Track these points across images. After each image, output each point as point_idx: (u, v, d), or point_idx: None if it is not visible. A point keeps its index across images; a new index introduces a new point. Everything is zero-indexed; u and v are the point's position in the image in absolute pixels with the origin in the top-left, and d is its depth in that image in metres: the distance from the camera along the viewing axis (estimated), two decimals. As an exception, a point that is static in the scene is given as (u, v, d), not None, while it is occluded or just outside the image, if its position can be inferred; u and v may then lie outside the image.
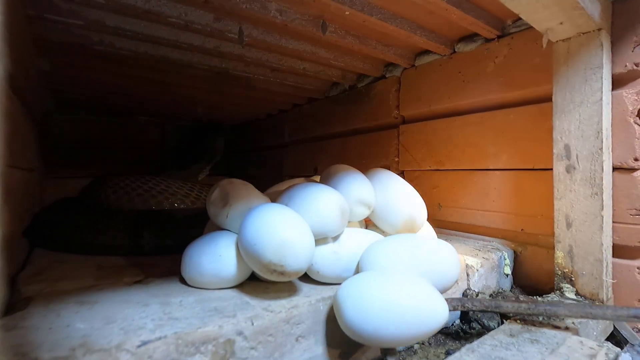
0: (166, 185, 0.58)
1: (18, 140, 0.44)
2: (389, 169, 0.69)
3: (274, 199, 0.36)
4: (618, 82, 0.40)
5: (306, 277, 0.34)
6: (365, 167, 0.74)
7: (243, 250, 0.28)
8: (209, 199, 0.35)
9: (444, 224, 0.60)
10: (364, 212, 0.36)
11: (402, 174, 0.68)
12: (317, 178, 0.42)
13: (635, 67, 0.39)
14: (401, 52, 0.61)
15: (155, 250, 0.46)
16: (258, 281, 0.33)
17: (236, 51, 0.58)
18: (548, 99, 0.43)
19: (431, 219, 0.62)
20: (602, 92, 0.37)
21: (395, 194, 0.38)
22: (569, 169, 0.40)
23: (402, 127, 0.67)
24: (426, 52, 0.61)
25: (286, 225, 0.27)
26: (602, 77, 0.37)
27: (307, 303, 0.28)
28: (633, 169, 0.39)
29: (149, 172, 1.17)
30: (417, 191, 0.41)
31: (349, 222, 0.36)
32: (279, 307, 0.26)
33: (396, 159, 0.68)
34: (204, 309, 0.26)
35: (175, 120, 1.24)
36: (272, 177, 1.12)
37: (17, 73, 0.41)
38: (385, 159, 0.70)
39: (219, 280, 0.30)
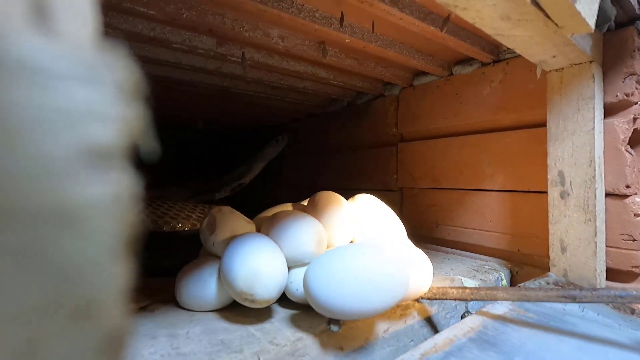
0: (169, 207, 0.59)
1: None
2: (388, 187, 0.70)
3: (259, 225, 0.38)
4: (610, 111, 0.41)
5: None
6: (364, 183, 0.75)
7: (222, 277, 0.31)
8: (201, 226, 0.37)
9: (441, 242, 0.61)
10: (343, 238, 0.38)
11: (400, 191, 0.69)
12: (306, 202, 0.43)
13: (625, 97, 0.40)
14: (399, 73, 0.63)
15: (159, 272, 0.46)
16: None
17: (238, 72, 0.59)
18: (542, 124, 0.44)
19: (429, 237, 0.63)
20: (594, 121, 0.39)
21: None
22: (563, 195, 0.41)
23: (401, 145, 0.68)
24: (424, 73, 0.63)
25: (256, 256, 0.30)
26: (594, 107, 0.39)
27: (312, 335, 0.28)
28: (625, 195, 0.40)
29: (150, 184, 1.18)
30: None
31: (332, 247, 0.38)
32: (284, 340, 0.27)
33: (395, 176, 0.69)
34: (211, 342, 0.27)
35: (177, 130, 1.25)
36: (271, 190, 1.13)
37: None
38: (384, 175, 0.72)
39: (204, 303, 0.33)
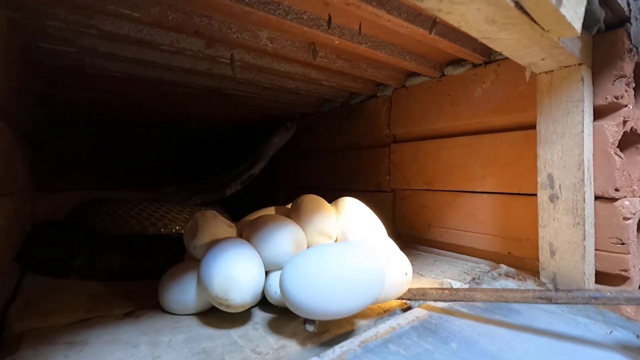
0: (166, 210, 0.58)
1: (8, 171, 0.45)
2: (381, 187, 0.70)
3: (241, 229, 0.38)
4: (599, 114, 0.41)
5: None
6: (357, 183, 0.75)
7: (200, 282, 0.31)
8: (185, 229, 0.38)
9: (433, 243, 0.61)
10: (325, 241, 0.38)
11: (393, 192, 0.68)
12: (289, 205, 0.44)
13: (615, 100, 0.40)
14: (392, 73, 0.62)
15: (148, 274, 0.46)
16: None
17: (228, 72, 0.59)
18: (533, 126, 0.44)
19: (421, 239, 0.63)
20: (583, 124, 0.38)
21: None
22: (553, 198, 0.41)
23: (393, 146, 0.68)
24: (416, 74, 0.62)
25: (232, 261, 0.30)
26: (583, 110, 0.38)
27: (295, 342, 0.28)
28: (614, 199, 0.40)
29: (145, 184, 1.18)
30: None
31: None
32: (267, 349, 0.27)
33: (387, 177, 0.69)
34: (192, 351, 0.26)
35: (171, 130, 1.24)
36: (266, 190, 1.12)
37: (7, 104, 0.42)
38: (376, 176, 0.71)
39: (186, 307, 0.34)
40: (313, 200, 0.40)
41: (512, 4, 0.26)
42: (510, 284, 0.41)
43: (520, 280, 0.42)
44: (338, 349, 0.23)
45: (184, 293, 0.33)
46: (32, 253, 0.49)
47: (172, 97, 0.73)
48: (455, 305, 0.33)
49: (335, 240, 0.39)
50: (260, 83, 0.64)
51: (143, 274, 0.45)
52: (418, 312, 0.31)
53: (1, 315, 0.34)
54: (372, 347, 0.24)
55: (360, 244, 0.31)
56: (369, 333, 0.26)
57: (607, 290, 0.28)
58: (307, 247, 0.36)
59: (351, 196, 0.43)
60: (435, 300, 0.34)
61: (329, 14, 0.41)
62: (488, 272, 0.43)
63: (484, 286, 0.39)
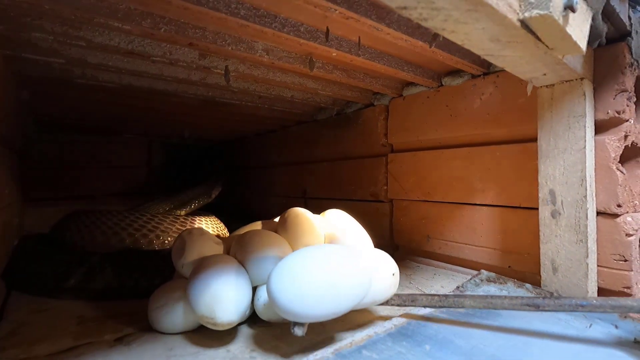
0: (157, 222, 0.57)
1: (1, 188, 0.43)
2: (378, 197, 0.69)
3: (229, 245, 0.38)
4: (600, 128, 0.41)
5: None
6: (354, 193, 0.74)
7: (188, 301, 0.31)
8: (173, 247, 0.37)
9: (432, 255, 0.60)
10: None
11: (391, 202, 0.68)
12: (277, 219, 0.44)
13: (616, 115, 0.39)
14: (389, 83, 0.62)
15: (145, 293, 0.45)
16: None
17: (222, 82, 0.58)
18: (532, 139, 0.44)
19: (420, 251, 0.62)
20: (585, 140, 0.38)
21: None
22: (555, 214, 0.40)
23: (391, 156, 0.67)
24: (414, 84, 0.62)
25: (217, 280, 0.30)
26: (585, 126, 0.38)
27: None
28: (616, 215, 0.39)
29: (135, 193, 1.16)
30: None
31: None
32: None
33: (385, 187, 0.68)
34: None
35: (162, 138, 1.22)
36: (261, 198, 1.11)
37: (3, 128, 0.40)
38: (373, 186, 0.70)
39: (172, 326, 0.33)
40: (299, 214, 0.41)
41: (518, 24, 0.25)
42: (492, 288, 0.41)
43: (501, 283, 0.43)
44: (312, 356, 0.24)
45: (172, 312, 0.33)
46: (21, 271, 0.47)
47: (164, 105, 0.71)
48: (437, 312, 0.34)
49: None
50: (255, 92, 0.63)
51: (139, 292, 0.43)
52: (397, 321, 0.31)
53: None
54: (345, 353, 0.25)
55: (346, 247, 0.31)
56: (344, 342, 0.26)
57: (593, 298, 0.28)
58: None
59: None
60: (425, 306, 0.34)
61: (327, 27, 0.40)
62: (471, 279, 0.43)
63: (467, 292, 0.39)
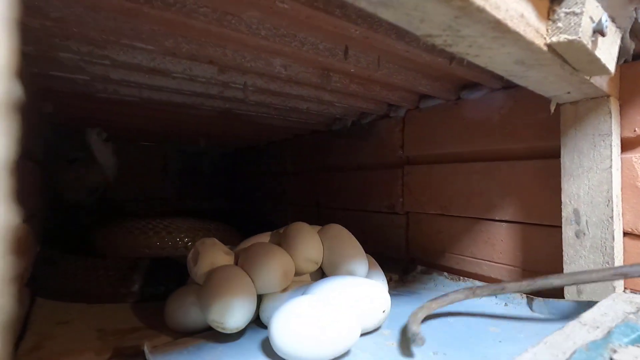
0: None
1: (26, 206, 0.44)
2: (394, 209, 0.69)
3: (237, 256, 0.42)
4: (627, 146, 0.39)
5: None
6: (369, 204, 0.74)
7: (200, 306, 0.36)
8: (188, 257, 0.41)
9: (449, 270, 0.59)
10: (311, 268, 0.43)
11: (406, 215, 0.67)
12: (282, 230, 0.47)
13: (644, 132, 0.38)
14: (405, 95, 0.61)
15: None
16: None
17: (239, 95, 0.58)
18: (553, 155, 0.43)
19: (436, 264, 0.61)
20: (611, 159, 0.37)
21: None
22: (579, 234, 0.39)
23: (407, 168, 0.67)
24: (431, 96, 0.61)
25: (226, 290, 0.34)
26: (611, 145, 0.37)
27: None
28: (644, 236, 0.38)
29: (151, 199, 1.18)
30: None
31: (301, 274, 0.43)
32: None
33: (400, 200, 0.67)
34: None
35: (178, 146, 1.24)
36: (274, 205, 1.11)
37: (28, 142, 0.41)
38: (389, 198, 0.70)
39: (185, 327, 0.38)
40: (301, 229, 0.44)
41: (545, 48, 0.24)
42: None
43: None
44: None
45: (186, 314, 0.38)
46: (46, 279, 0.48)
47: (182, 116, 0.72)
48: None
49: (321, 264, 0.44)
50: (271, 104, 0.63)
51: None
52: None
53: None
54: None
55: (335, 300, 0.34)
56: None
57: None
58: (295, 273, 0.40)
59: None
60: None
61: (346, 45, 0.40)
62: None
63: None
